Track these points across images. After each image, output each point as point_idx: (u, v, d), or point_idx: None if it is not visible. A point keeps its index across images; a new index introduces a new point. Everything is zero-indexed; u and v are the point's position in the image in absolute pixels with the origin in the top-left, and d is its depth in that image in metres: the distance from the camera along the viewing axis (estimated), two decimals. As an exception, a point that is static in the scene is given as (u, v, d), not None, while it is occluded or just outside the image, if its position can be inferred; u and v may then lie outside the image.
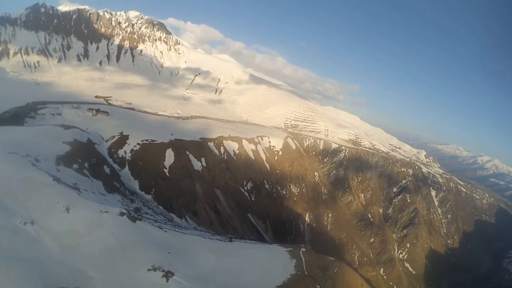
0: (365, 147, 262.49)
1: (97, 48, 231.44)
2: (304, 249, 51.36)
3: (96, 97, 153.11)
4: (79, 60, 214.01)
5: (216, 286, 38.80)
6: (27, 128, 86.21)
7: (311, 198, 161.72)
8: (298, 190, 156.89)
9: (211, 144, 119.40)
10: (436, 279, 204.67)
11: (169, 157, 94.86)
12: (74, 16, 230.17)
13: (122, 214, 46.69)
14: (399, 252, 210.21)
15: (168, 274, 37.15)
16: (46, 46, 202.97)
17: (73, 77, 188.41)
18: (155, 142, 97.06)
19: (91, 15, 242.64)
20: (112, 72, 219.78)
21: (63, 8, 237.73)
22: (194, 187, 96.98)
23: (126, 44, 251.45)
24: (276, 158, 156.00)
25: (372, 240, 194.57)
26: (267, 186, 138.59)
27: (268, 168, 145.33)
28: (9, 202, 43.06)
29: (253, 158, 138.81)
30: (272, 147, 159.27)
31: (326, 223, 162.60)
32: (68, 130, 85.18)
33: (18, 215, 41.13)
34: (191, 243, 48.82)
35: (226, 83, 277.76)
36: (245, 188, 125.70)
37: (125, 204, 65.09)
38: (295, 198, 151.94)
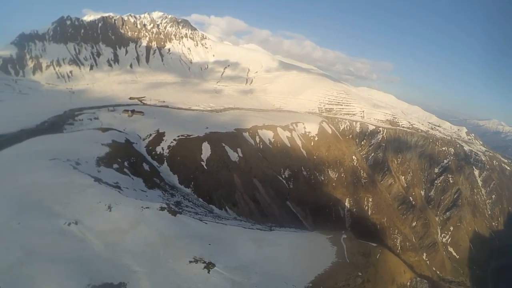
0: (403, 127, 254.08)
1: (126, 52, 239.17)
2: (345, 236, 50.44)
3: (130, 98, 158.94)
4: (110, 65, 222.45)
5: (257, 276, 38.90)
6: (66, 135, 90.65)
7: (350, 183, 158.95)
8: (336, 175, 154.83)
9: (246, 134, 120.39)
10: (481, 263, 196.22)
11: (206, 150, 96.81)
12: (100, 24, 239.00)
13: (162, 208, 48.04)
14: (442, 236, 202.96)
15: (209, 266, 37.82)
16: (77, 56, 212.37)
17: (106, 82, 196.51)
18: (191, 136, 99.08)
19: (116, 21, 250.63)
20: (143, 73, 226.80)
21: (88, 18, 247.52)
22: (232, 178, 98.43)
23: (154, 44, 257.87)
24: (312, 144, 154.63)
25: (414, 224, 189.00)
26: (304, 172, 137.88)
27: (305, 155, 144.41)
28: (53, 205, 45.72)
29: (289, 145, 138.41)
30: (307, 133, 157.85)
31: (366, 207, 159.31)
32: (106, 132, 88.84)
33: (62, 217, 43.51)
34: (231, 234, 49.17)
35: (256, 72, 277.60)
36: (283, 176, 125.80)
37: (166, 199, 66.89)
38: (333, 184, 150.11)
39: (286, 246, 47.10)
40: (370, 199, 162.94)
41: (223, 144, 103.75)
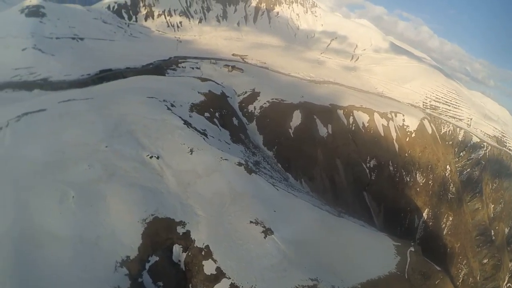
0: (510, 149, 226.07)
1: (235, 10, 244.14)
2: (413, 249, 45.95)
3: (233, 55, 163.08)
4: (218, 21, 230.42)
5: (308, 257, 38.21)
6: (168, 78, 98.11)
7: (435, 193, 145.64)
8: (423, 181, 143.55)
9: (340, 112, 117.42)
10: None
11: (296, 118, 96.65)
12: None
13: (240, 164, 49.32)
14: (507, 285, 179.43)
15: (267, 231, 38.48)
16: (188, 9, 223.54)
17: (212, 36, 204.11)
18: (285, 101, 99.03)
19: None
20: (249, 32, 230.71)
21: None
22: (316, 152, 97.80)
23: (263, 6, 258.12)
24: (407, 140, 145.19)
25: (485, 261, 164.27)
26: (391, 168, 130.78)
27: (397, 149, 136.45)
28: (141, 138, 50.10)
29: (382, 134, 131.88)
30: (405, 127, 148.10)
31: (443, 225, 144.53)
32: (205, 82, 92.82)
33: (147, 149, 47.94)
34: (299, 207, 48.37)
35: (364, 50, 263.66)
36: (367, 164, 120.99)
37: (247, 156, 68.37)
38: (418, 189, 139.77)
39: (348, 237, 45.19)
40: (450, 218, 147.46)
41: (315, 117, 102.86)
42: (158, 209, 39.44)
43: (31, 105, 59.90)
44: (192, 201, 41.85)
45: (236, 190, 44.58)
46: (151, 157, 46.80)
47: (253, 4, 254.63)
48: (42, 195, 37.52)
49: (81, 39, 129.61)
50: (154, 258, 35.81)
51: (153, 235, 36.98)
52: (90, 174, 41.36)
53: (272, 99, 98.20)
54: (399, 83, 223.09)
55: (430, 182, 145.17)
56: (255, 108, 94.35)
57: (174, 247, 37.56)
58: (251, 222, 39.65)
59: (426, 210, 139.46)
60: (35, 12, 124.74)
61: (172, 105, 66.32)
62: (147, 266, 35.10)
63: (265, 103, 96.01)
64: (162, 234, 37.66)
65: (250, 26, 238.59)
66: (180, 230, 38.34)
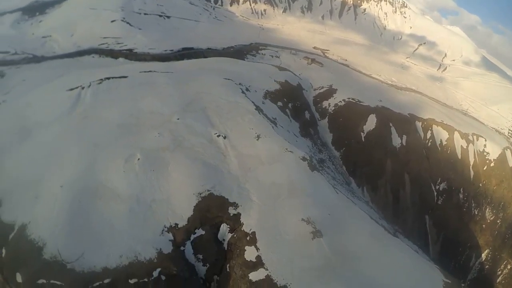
0: None
1: (321, 2, 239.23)
2: None
3: (314, 48, 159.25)
4: (303, 12, 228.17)
5: (352, 271, 36.19)
6: (246, 62, 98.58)
7: (500, 234, 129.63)
8: (492, 218, 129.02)
9: (418, 124, 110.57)
10: None
11: (371, 122, 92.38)
12: None
13: (304, 159, 48.24)
14: None
15: (316, 233, 37.40)
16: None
17: (295, 27, 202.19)
18: (361, 103, 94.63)
19: None
20: (333, 27, 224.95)
21: None
22: (385, 162, 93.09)
23: (350, 1, 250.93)
24: (485, 168, 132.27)
25: None
26: (461, 195, 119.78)
27: (471, 176, 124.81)
28: (213, 117, 51.64)
29: (459, 157, 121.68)
30: (485, 153, 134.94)
31: (499, 272, 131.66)
32: (282, 71, 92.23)
33: (216, 128, 49.33)
34: (355, 216, 45.99)
35: (453, 60, 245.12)
36: (437, 186, 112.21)
37: (312, 152, 66.90)
38: (483, 225, 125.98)
39: (399, 261, 41.84)
40: (509, 266, 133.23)
41: (390, 124, 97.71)
42: (215, 186, 40.38)
43: (114, 71, 64.70)
44: (249, 185, 42.10)
45: (295, 184, 43.92)
46: (218, 136, 48.02)
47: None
48: (111, 153, 40.80)
49: (168, 17, 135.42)
50: (200, 231, 36.87)
51: (204, 209, 38.05)
52: (158, 142, 43.97)
53: (349, 98, 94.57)
54: (487, 103, 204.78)
55: (498, 221, 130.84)
56: (329, 105, 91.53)
57: (222, 225, 38.15)
58: (302, 219, 38.90)
59: (486, 250, 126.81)
60: None
61: (247, 90, 66.99)
62: (192, 237, 36.28)
63: (340, 101, 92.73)
64: (213, 210, 38.50)
65: (334, 21, 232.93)
66: (232, 211, 38.85)
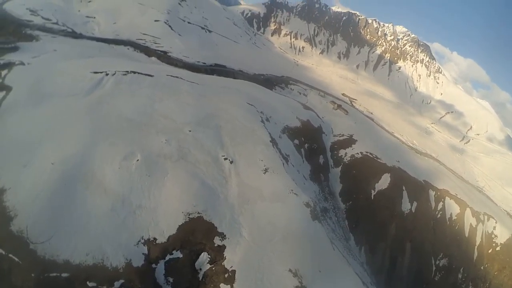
0: None
1: (358, 52, 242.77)
2: None
3: (343, 94, 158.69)
4: (339, 57, 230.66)
5: None
6: (273, 93, 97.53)
7: None
8: None
9: (431, 192, 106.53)
10: None
11: (383, 181, 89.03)
12: (344, 18, 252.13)
13: (307, 205, 45.48)
14: None
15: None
16: (313, 37, 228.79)
17: (328, 70, 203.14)
18: (378, 159, 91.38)
19: (359, 21, 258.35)
20: (365, 78, 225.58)
21: (336, 8, 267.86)
22: (389, 225, 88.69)
23: (387, 56, 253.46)
24: (490, 251, 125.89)
25: None
26: (460, 275, 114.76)
27: (475, 257, 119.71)
28: (225, 138, 49.44)
29: (466, 235, 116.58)
30: (493, 236, 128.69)
31: None
32: (306, 110, 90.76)
33: (225, 150, 47.01)
34: (346, 279, 42.94)
35: (477, 134, 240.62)
36: (437, 261, 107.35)
37: (318, 198, 64.27)
38: None
39: None
40: None
41: (403, 188, 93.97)
42: (207, 210, 37.84)
43: (143, 67, 64.34)
44: (243, 219, 39.44)
45: (292, 230, 40.93)
46: (225, 159, 45.94)
47: (378, 51, 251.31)
48: (112, 144, 39.28)
49: (209, 31, 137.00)
50: (177, 254, 34.06)
51: (189, 232, 35.33)
52: (163, 148, 42.13)
53: (367, 152, 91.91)
54: (503, 184, 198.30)
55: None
56: (345, 154, 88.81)
57: (203, 254, 35.30)
58: (290, 270, 35.90)
59: None
60: None
61: (267, 120, 65.21)
62: (168, 257, 33.54)
63: (358, 153, 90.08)
64: (198, 235, 35.71)
65: (368, 72, 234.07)
66: (217, 241, 36.14)
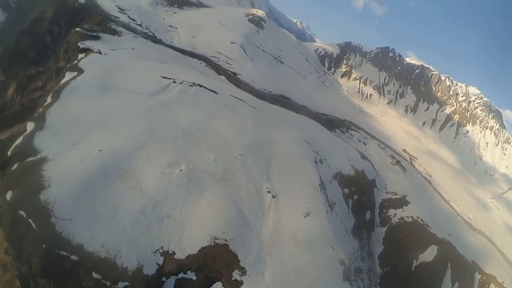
0: None
1: (427, 108, 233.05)
2: None
3: (404, 150, 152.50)
4: (406, 111, 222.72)
5: None
6: (332, 135, 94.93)
7: None
8: None
9: (477, 275, 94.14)
10: None
11: (429, 253, 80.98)
12: (416, 71, 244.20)
13: (342, 263, 42.12)
14: None
15: None
16: (383, 86, 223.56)
17: (393, 122, 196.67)
18: (429, 228, 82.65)
19: (432, 76, 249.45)
20: (429, 137, 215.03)
21: (409, 60, 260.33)
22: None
23: (456, 118, 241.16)
24: None
25: None
26: None
27: None
28: (274, 171, 47.79)
29: None
30: None
31: None
32: (363, 160, 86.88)
33: (270, 183, 45.26)
34: None
35: None
36: None
37: (354, 256, 60.21)
38: None
39: None
40: None
41: (448, 265, 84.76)
42: (235, 240, 35.57)
43: (210, 83, 65.30)
44: (269, 260, 36.55)
45: (318, 286, 37.65)
46: (268, 192, 43.92)
47: (447, 111, 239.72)
48: (161, 149, 38.97)
49: (281, 62, 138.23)
50: (191, 275, 31.93)
51: (210, 257, 33.12)
52: (209, 165, 41.18)
53: (418, 217, 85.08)
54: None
55: None
56: (395, 215, 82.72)
57: (217, 283, 32.94)
58: None
59: None
60: (256, 21, 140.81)
61: (321, 161, 62.87)
62: (181, 275, 31.51)
63: (408, 216, 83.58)
64: (218, 263, 33.33)
65: (434, 132, 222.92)
66: (236, 275, 33.45)
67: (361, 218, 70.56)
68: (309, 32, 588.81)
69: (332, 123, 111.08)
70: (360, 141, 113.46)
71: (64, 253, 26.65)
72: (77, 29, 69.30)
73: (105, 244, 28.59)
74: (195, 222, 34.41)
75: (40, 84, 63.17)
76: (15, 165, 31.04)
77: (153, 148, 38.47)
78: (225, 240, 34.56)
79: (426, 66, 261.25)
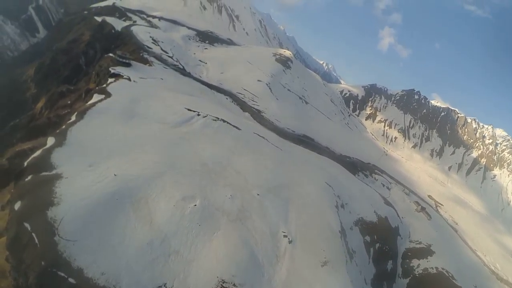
0: None
1: (453, 152, 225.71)
2: None
3: (429, 196, 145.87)
4: (431, 155, 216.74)
5: None
6: (355, 179, 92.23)
7: None
8: None
9: None
10: None
11: None
12: (442, 114, 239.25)
13: None
14: None
15: None
16: (408, 129, 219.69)
17: (418, 167, 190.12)
18: (454, 280, 76.27)
19: (458, 119, 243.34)
20: (456, 182, 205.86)
21: (435, 102, 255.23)
22: None
23: (482, 161, 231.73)
24: None
25: None
26: None
27: None
28: (292, 214, 45.45)
29: None
30: None
31: None
32: (386, 206, 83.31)
33: (287, 227, 42.81)
34: None
35: None
36: None
37: None
38: None
39: None
40: None
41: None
42: (245, 285, 32.86)
43: (234, 119, 64.97)
44: None
45: None
46: (284, 236, 41.26)
47: (474, 155, 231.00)
48: (177, 181, 37.44)
49: (306, 102, 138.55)
50: None
51: None
52: (224, 203, 39.20)
53: (443, 269, 79.58)
54: None
55: None
56: (418, 266, 77.71)
57: None
58: None
59: None
60: (284, 61, 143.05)
61: (342, 206, 59.92)
62: None
63: (432, 268, 78.24)
64: None
65: (460, 176, 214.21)
66: None
67: (382, 268, 66.25)
68: (334, 74, 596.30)
69: (355, 166, 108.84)
70: (384, 185, 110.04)
71: (62, 274, 25.19)
72: (111, 54, 72.30)
73: (105, 272, 26.93)
74: (203, 261, 32.14)
75: (69, 102, 64.93)
76: (29, 177, 30.69)
77: (169, 180, 37.12)
78: (234, 285, 31.87)
79: (452, 108, 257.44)
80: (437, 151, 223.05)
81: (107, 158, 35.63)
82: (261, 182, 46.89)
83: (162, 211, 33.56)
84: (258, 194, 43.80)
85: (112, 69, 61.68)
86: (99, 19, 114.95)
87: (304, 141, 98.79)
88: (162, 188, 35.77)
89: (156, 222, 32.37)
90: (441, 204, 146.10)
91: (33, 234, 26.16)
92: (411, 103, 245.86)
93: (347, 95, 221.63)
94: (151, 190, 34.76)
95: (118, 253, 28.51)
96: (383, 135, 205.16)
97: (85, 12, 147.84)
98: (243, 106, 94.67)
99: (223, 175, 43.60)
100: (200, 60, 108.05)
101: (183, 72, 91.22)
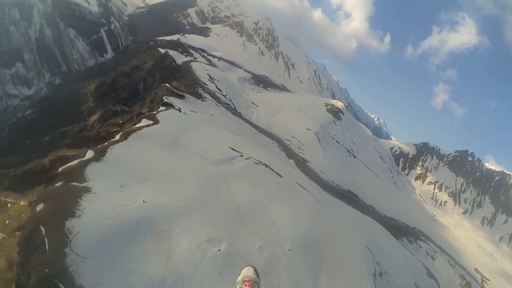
0: None
1: (505, 221, 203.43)
2: None
3: (475, 270, 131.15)
4: (482, 223, 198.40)
5: None
6: (398, 244, 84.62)
7: None
8: None
9: None
10: None
11: None
12: (496, 178, 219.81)
13: None
14: None
15: None
16: (459, 193, 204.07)
17: (467, 236, 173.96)
18: None
19: None
20: (506, 255, 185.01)
21: (489, 165, 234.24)
22: None
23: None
24: None
25: None
26: None
27: None
28: (324, 275, 40.78)
29: None
30: None
31: None
32: (429, 278, 75.93)
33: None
34: None
35: None
36: None
37: None
38: None
39: None
40: None
41: None
42: None
43: (277, 165, 62.22)
44: None
45: None
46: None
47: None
48: (204, 221, 34.76)
49: (354, 156, 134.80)
50: None
51: None
52: (251, 253, 35.50)
53: None
54: None
55: None
56: None
57: None
58: None
59: None
60: (335, 112, 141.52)
61: (380, 274, 53.64)
62: None
63: None
64: None
65: (511, 249, 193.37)
66: None
67: None
68: (385, 129, 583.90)
69: (399, 230, 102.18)
70: (428, 254, 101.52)
71: (62, 287, 24.48)
72: (167, 84, 74.64)
73: (104, 301, 24.06)
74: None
75: (120, 121, 67.31)
76: (59, 183, 30.06)
77: (198, 217, 34.35)
78: None
79: (507, 172, 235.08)
80: (489, 219, 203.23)
81: (140, 183, 34.22)
82: (295, 236, 42.68)
83: (183, 249, 30.37)
84: (289, 249, 39.53)
85: (166, 98, 63.43)
86: (162, 50, 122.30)
87: (347, 197, 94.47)
88: (189, 225, 33.14)
89: (173, 259, 29.22)
90: (488, 279, 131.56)
91: (46, 239, 24.78)
92: (464, 165, 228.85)
93: (397, 152, 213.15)
94: (176, 225, 32.13)
95: (126, 282, 25.45)
96: (432, 197, 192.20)
97: (151, 43, 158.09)
98: (289, 153, 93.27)
99: (256, 222, 40.34)
100: (252, 102, 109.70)
101: (234, 111, 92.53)
